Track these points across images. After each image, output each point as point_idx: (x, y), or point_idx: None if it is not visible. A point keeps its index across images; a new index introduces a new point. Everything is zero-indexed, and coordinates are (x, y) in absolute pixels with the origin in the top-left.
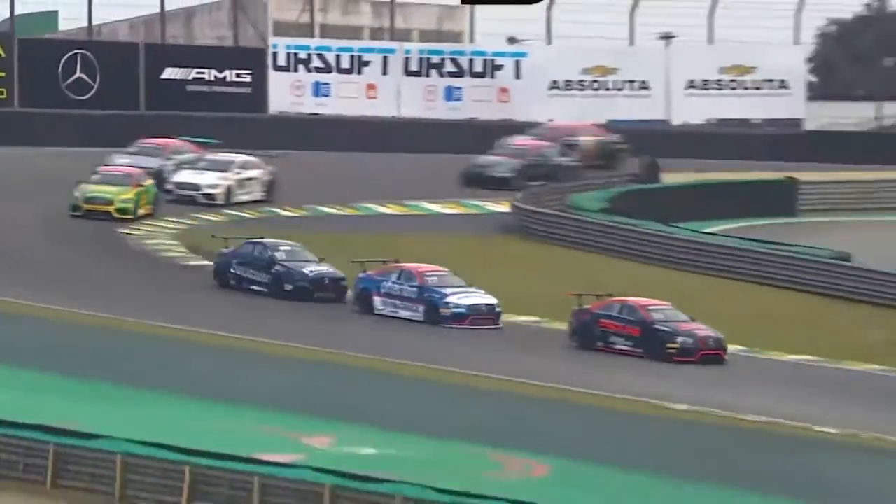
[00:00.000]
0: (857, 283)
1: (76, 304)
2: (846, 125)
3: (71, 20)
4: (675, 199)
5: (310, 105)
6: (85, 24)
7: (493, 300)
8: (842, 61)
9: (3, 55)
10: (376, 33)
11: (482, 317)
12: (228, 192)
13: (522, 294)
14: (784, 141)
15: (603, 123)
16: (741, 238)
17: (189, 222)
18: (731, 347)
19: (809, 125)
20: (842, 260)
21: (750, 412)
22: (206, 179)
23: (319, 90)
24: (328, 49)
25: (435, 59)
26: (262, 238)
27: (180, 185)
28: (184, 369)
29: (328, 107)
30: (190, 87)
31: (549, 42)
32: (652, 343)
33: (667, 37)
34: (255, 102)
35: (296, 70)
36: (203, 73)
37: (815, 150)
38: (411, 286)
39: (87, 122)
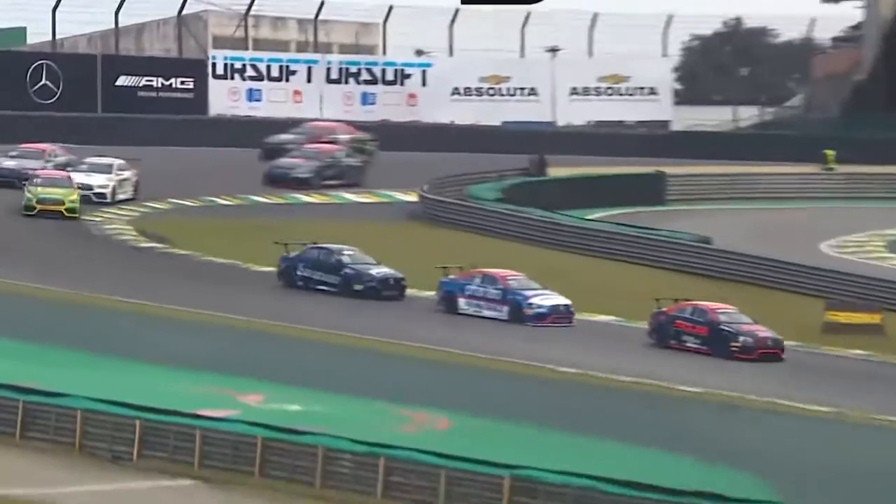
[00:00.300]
0: (716, 263)
1: (46, 281)
2: (707, 126)
3: (37, 34)
4: (559, 190)
5: (244, 109)
6: (49, 38)
7: (567, 301)
8: (703, 71)
9: None
10: (302, 46)
11: (560, 316)
12: (114, 191)
13: (426, 270)
14: (654, 140)
15: (362, 123)
16: (616, 223)
17: (133, 213)
18: (607, 317)
19: (675, 126)
20: (703, 242)
21: (622, 374)
22: (97, 180)
23: (252, 95)
24: (260, 60)
25: (352, 69)
26: (322, 244)
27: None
28: (136, 338)
29: (260, 110)
30: (140, 93)
31: (451, 54)
32: (718, 342)
33: (553, 49)
34: (197, 106)
35: (232, 78)
36: (151, 80)
37: (681, 147)
38: (495, 289)
39: (50, 123)
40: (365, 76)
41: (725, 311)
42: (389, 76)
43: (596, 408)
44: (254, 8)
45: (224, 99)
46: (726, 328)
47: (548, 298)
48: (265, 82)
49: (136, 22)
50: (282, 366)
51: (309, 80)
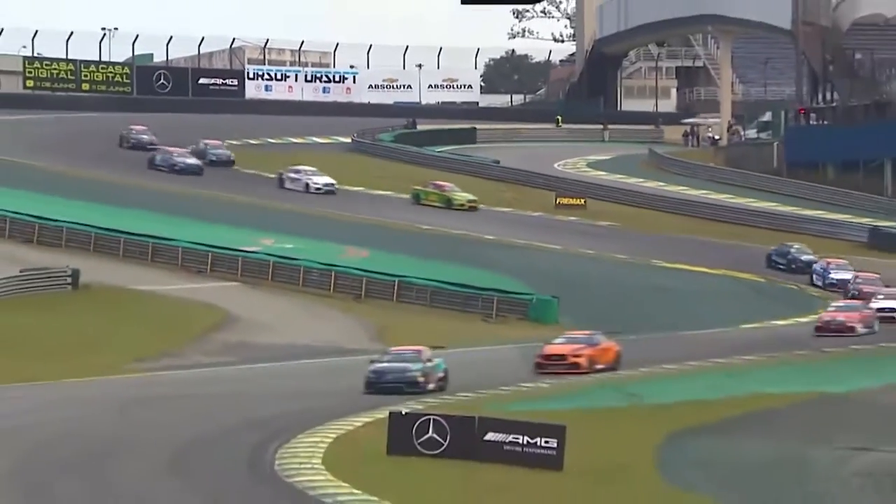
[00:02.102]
0: (501, 173)
1: None
2: (497, 104)
3: (157, 56)
4: (424, 137)
5: (262, 96)
6: (164, 58)
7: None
8: (495, 77)
9: None
10: (292, 63)
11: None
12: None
13: (355, 177)
14: (469, 111)
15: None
16: (449, 153)
17: None
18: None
19: (481, 104)
20: (495, 162)
21: (454, 230)
22: None
23: (267, 88)
24: (271, 70)
25: (318, 74)
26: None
27: None
28: (210, 210)
29: (271, 96)
30: (211, 87)
31: (368, 67)
32: None
33: (419, 65)
34: (238, 94)
35: (256, 79)
36: (217, 80)
37: (484, 115)
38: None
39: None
40: (324, 78)
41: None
42: (337, 79)
43: (442, 246)
44: (269, 44)
45: (252, 90)
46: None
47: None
48: (273, 81)
49: (209, 51)
50: (282, 224)
51: (296, 80)
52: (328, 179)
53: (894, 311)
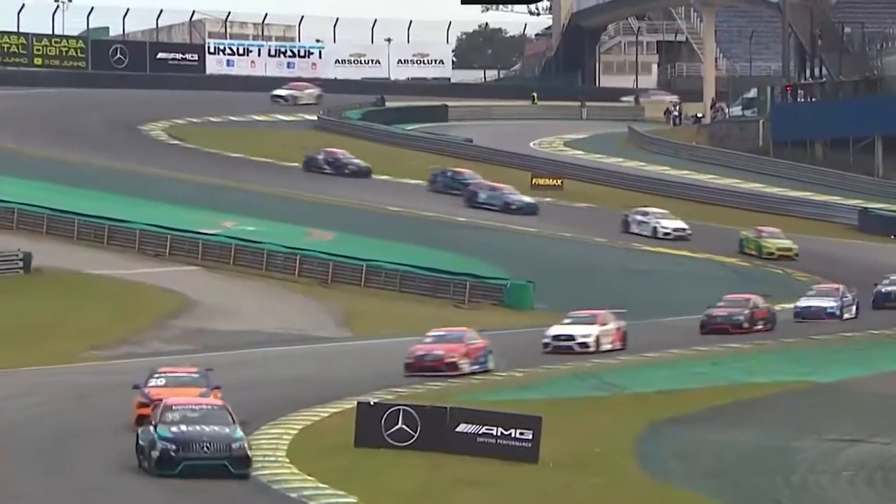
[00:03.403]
0: (475, 152)
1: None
2: (469, 80)
3: (114, 31)
4: (393, 114)
5: (224, 71)
6: (121, 33)
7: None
8: (467, 51)
9: None
10: (255, 37)
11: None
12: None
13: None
14: (440, 87)
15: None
16: (421, 131)
17: None
18: (410, 180)
19: (453, 80)
20: (467, 141)
21: (425, 211)
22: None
23: (229, 63)
24: (233, 44)
25: (282, 49)
26: None
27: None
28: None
29: (233, 72)
30: (170, 62)
31: (334, 41)
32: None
33: (388, 39)
34: (199, 69)
35: (218, 54)
36: (177, 55)
37: (456, 92)
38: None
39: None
40: (288, 53)
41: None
42: (302, 53)
43: (413, 229)
44: (230, 17)
45: (213, 66)
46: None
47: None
48: (235, 56)
49: (168, 24)
50: (244, 205)
51: (259, 55)
52: (679, 224)
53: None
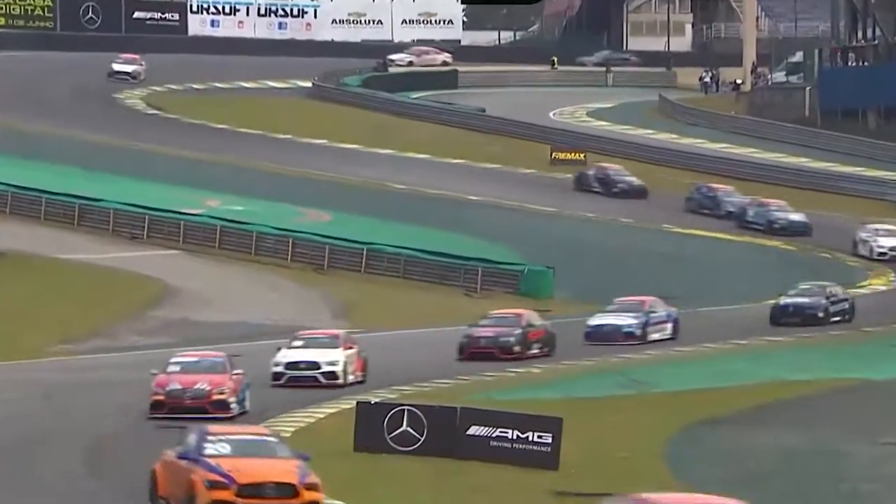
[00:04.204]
0: (488, 124)
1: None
2: (482, 43)
3: None
4: (398, 81)
5: (209, 32)
6: None
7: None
8: (478, 10)
9: None
10: None
11: None
12: None
13: (315, 127)
14: (449, 51)
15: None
16: (426, 100)
17: None
18: (419, 155)
19: (464, 42)
20: (480, 111)
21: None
22: None
23: (214, 23)
24: (218, 2)
25: (273, 7)
26: None
27: None
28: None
29: (218, 33)
30: (148, 22)
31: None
32: None
33: None
34: (181, 30)
35: (202, 13)
36: (155, 14)
37: (466, 55)
38: None
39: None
40: (280, 12)
41: None
42: (295, 12)
43: (418, 209)
44: None
45: (196, 26)
46: None
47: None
48: (221, 16)
49: None
50: (230, 182)
51: (247, 14)
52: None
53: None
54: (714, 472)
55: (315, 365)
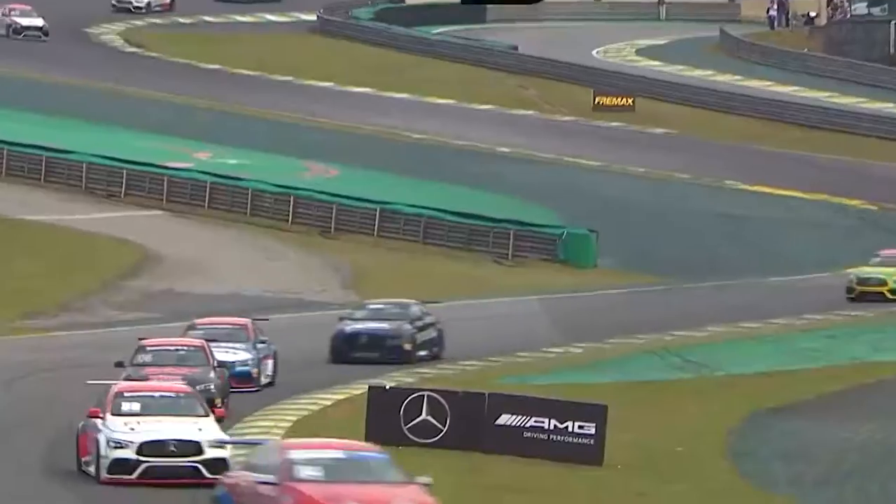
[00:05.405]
0: (519, 63)
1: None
2: None
3: None
4: (415, 14)
5: None
6: None
7: None
8: None
9: None
10: None
11: None
12: None
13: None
14: None
15: None
16: (449, 36)
17: None
18: (444, 100)
19: None
20: (512, 49)
21: (457, 139)
22: None
23: None
24: None
25: None
26: None
27: None
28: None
29: None
30: None
31: None
32: None
33: None
34: None
35: None
36: None
37: None
38: None
39: None
40: None
41: None
42: None
43: (437, 162)
44: None
45: None
46: None
47: None
48: None
49: None
50: (223, 131)
51: None
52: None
53: None
54: (783, 470)
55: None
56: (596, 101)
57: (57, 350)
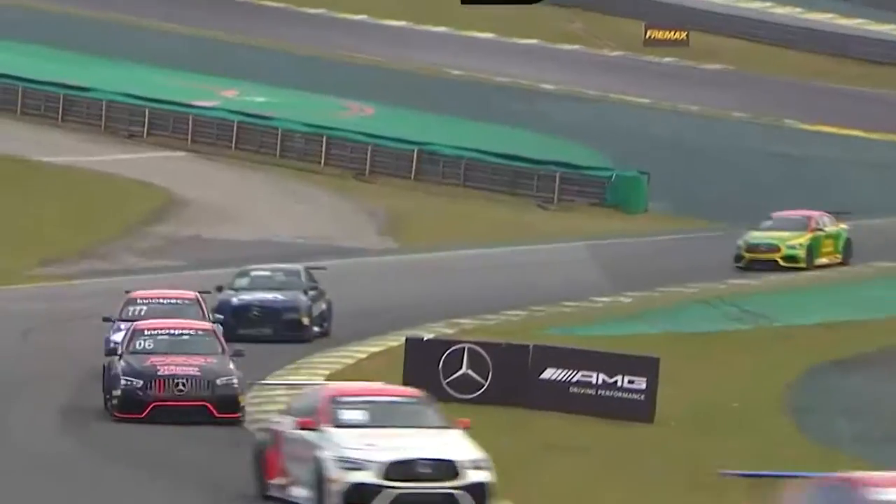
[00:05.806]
0: None
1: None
2: None
3: None
4: None
5: None
6: None
7: None
8: None
9: None
10: None
11: None
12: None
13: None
14: None
15: None
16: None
17: None
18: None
19: None
20: None
21: (498, 76)
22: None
23: None
24: None
25: None
26: None
27: None
28: (147, 46)
29: None
30: None
31: None
32: None
33: None
34: None
35: None
36: None
37: None
38: None
39: None
40: None
41: None
42: None
43: (478, 100)
44: None
45: None
46: None
47: None
48: None
49: None
50: (251, 67)
51: None
52: None
53: None
54: (847, 426)
55: None
56: (647, 35)
57: (76, 299)
